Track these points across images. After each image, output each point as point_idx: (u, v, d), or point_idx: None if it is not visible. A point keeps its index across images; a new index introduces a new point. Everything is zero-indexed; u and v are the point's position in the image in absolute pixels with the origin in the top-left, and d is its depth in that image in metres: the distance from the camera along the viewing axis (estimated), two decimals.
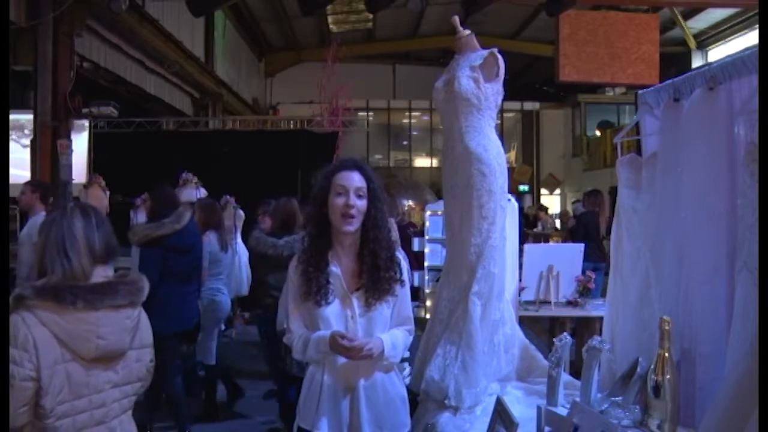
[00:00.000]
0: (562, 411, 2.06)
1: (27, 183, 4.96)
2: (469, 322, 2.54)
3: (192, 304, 4.18)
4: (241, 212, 6.95)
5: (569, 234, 8.46)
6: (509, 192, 2.83)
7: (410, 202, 13.61)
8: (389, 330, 2.02)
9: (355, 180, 1.97)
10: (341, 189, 1.96)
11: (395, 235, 3.11)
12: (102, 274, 1.80)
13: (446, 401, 2.46)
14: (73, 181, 7.88)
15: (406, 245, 5.17)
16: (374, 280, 1.97)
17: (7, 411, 1.63)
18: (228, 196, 7.51)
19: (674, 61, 13.79)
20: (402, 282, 2.04)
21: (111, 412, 1.78)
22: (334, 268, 1.98)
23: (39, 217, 4.72)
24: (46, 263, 1.74)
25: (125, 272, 1.93)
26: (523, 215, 10.67)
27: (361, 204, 1.96)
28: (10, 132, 7.56)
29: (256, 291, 4.97)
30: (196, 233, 4.27)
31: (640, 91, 2.83)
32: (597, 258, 6.38)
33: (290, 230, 4.12)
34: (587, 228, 7.02)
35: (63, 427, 1.68)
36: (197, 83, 12.38)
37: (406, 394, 2.12)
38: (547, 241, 12.43)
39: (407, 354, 2.72)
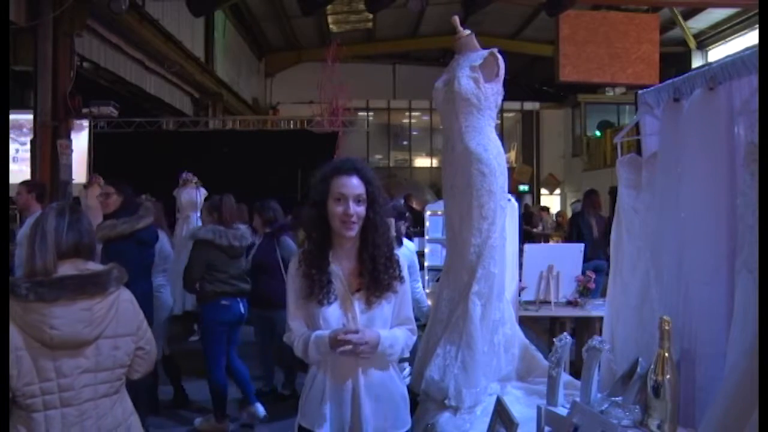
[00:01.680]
0: (562, 411, 2.06)
1: (23, 183, 4.94)
2: (469, 322, 2.54)
3: (149, 298, 4.19)
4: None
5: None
6: (509, 192, 2.83)
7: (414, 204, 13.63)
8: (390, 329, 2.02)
9: (353, 186, 1.96)
10: (340, 196, 1.95)
11: (394, 233, 3.12)
12: (77, 268, 1.95)
13: (446, 401, 2.46)
14: (73, 181, 7.88)
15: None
16: (374, 280, 1.98)
17: (7, 410, 1.76)
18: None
19: (674, 61, 13.79)
20: (401, 279, 2.04)
21: (82, 395, 1.93)
22: (335, 269, 1.99)
23: (35, 217, 4.73)
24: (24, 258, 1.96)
25: (112, 264, 2.04)
26: (522, 213, 10.64)
27: (361, 210, 1.96)
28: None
29: None
30: (157, 230, 4.40)
31: (640, 91, 2.83)
32: (591, 258, 6.32)
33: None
34: (580, 228, 6.98)
35: (34, 406, 1.87)
36: (197, 83, 12.38)
37: (406, 393, 2.12)
38: (547, 241, 12.42)
39: (407, 354, 2.72)
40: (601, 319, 3.34)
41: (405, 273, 2.08)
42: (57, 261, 1.94)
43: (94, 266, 2.01)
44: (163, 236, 4.83)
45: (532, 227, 12.67)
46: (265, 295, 4.79)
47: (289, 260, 5.22)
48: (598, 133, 17.28)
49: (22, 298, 1.86)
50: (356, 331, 1.89)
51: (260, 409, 4.53)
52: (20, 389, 1.86)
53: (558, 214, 15.08)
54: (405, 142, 20.97)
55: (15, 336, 1.86)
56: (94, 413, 1.96)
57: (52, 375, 1.88)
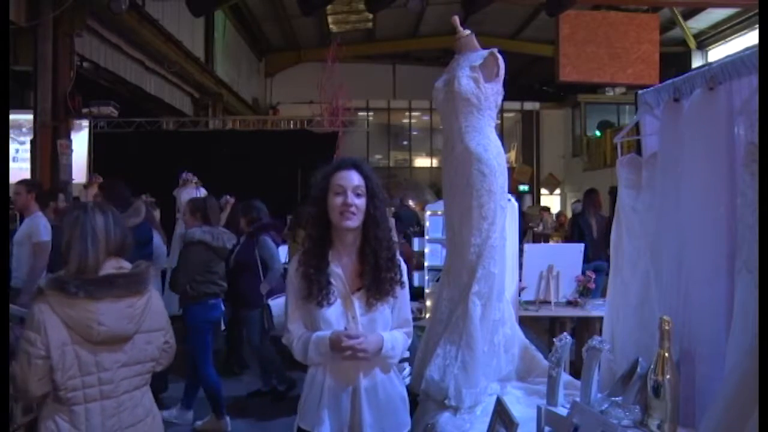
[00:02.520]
0: (562, 411, 2.06)
1: (21, 183, 4.92)
2: (469, 322, 2.54)
3: None
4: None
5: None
6: (509, 192, 2.82)
7: (410, 202, 13.63)
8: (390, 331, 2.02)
9: (353, 179, 1.97)
10: (339, 189, 1.96)
11: (395, 235, 3.11)
12: (114, 266, 2.05)
13: (446, 401, 2.46)
14: (73, 181, 7.88)
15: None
16: (376, 280, 1.97)
17: (7, 409, 1.75)
18: (228, 196, 7.52)
19: (674, 61, 13.78)
20: (402, 283, 2.04)
21: (119, 388, 2.02)
22: (336, 268, 1.99)
23: (36, 217, 4.72)
24: (69, 255, 1.99)
25: (139, 263, 2.13)
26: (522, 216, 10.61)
27: (360, 202, 1.96)
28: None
29: None
30: (150, 228, 4.38)
31: (640, 91, 2.83)
32: (593, 258, 6.33)
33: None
34: (581, 228, 6.97)
35: (75, 399, 1.95)
36: (197, 83, 12.38)
37: (406, 395, 2.12)
38: (547, 241, 12.41)
39: (407, 354, 2.72)
40: (601, 319, 3.34)
41: (405, 278, 2.08)
42: (106, 258, 2.03)
43: (126, 264, 2.10)
44: (156, 236, 4.85)
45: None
46: (245, 294, 4.85)
47: (266, 259, 5.24)
48: (598, 133, 17.28)
49: (72, 295, 1.92)
50: (357, 337, 1.89)
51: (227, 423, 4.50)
52: (64, 383, 1.93)
53: (558, 214, 15.08)
54: (405, 142, 20.97)
55: (61, 332, 1.92)
56: (129, 404, 2.05)
57: (93, 369, 1.97)
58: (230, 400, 4.95)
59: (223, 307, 4.61)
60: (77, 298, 1.92)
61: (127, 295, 2.01)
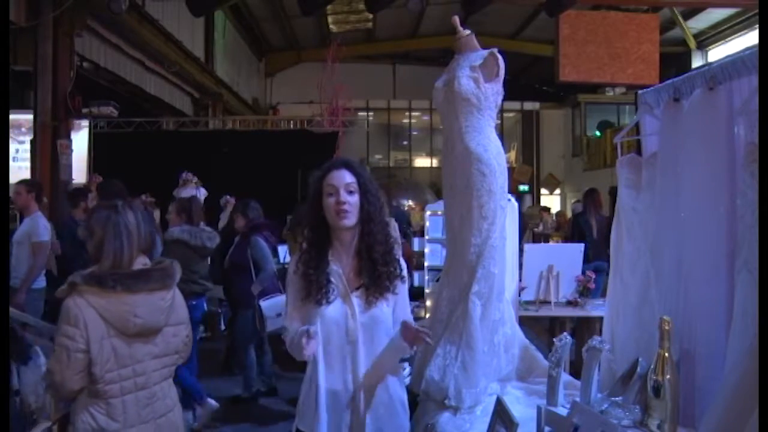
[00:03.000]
0: (562, 411, 2.06)
1: (21, 182, 4.92)
2: (469, 322, 2.54)
3: None
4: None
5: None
6: (509, 192, 2.82)
7: (410, 202, 13.64)
8: (390, 331, 2.01)
9: (344, 177, 1.98)
10: (331, 189, 1.97)
11: (396, 234, 3.11)
12: (141, 262, 2.14)
13: (446, 401, 2.46)
14: (73, 181, 7.88)
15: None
16: (373, 276, 1.97)
17: (8, 410, 1.77)
18: (228, 196, 7.52)
19: (674, 61, 13.78)
20: (402, 278, 2.04)
21: (151, 379, 2.11)
22: (335, 267, 1.99)
23: (36, 217, 4.72)
24: (102, 252, 2.06)
25: (161, 260, 2.24)
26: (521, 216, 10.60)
27: (353, 199, 1.97)
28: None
29: None
30: None
31: (640, 91, 2.83)
32: (594, 258, 6.33)
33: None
34: (581, 229, 6.96)
35: (111, 391, 2.02)
36: (197, 83, 12.38)
37: (405, 398, 2.11)
38: (547, 241, 12.41)
39: (407, 354, 2.72)
40: (601, 319, 3.34)
41: (405, 273, 2.08)
42: (138, 254, 2.12)
43: (147, 260, 2.18)
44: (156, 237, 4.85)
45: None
46: (238, 294, 4.85)
47: (257, 260, 5.26)
48: (597, 133, 17.27)
49: (110, 289, 1.99)
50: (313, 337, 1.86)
51: (213, 402, 4.49)
52: (102, 376, 2.00)
53: (558, 214, 15.07)
54: (405, 142, 20.95)
55: (99, 325, 1.98)
56: (161, 394, 2.15)
57: (128, 361, 2.05)
58: (230, 401, 4.96)
59: (205, 307, 4.58)
60: (114, 292, 1.99)
61: (160, 289, 2.11)
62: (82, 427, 2.01)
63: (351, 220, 1.97)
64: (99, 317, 1.98)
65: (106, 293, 1.99)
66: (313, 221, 2.01)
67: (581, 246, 5.00)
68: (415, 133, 20.97)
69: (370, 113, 18.82)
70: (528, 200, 18.19)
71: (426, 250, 5.40)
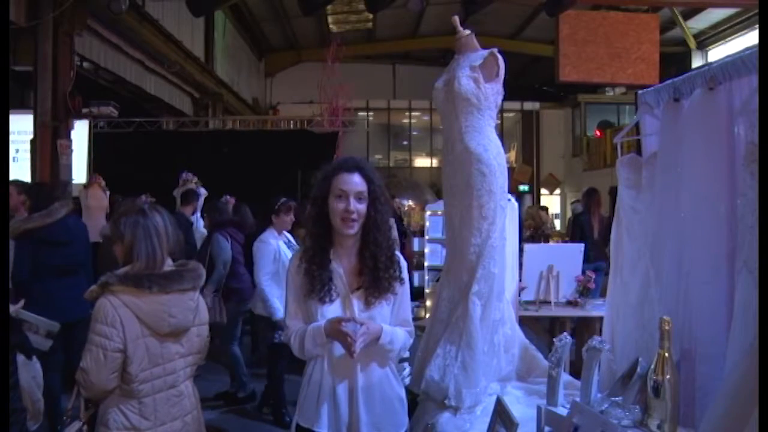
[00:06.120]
0: (562, 411, 2.05)
1: (12, 183, 4.89)
2: (469, 322, 2.54)
3: (75, 298, 3.69)
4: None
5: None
6: (509, 192, 2.82)
7: (410, 202, 13.63)
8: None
9: (355, 183, 1.95)
10: (341, 193, 1.94)
11: (395, 234, 3.11)
12: (169, 263, 2.17)
13: (446, 401, 2.46)
14: (73, 181, 7.88)
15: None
16: (375, 280, 1.97)
17: (8, 410, 1.77)
18: (228, 196, 7.52)
19: (674, 61, 13.78)
20: (402, 280, 2.04)
21: (179, 378, 2.16)
22: (336, 267, 1.98)
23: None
24: (134, 254, 2.09)
25: (185, 261, 2.25)
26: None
27: (362, 207, 1.95)
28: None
29: None
30: (77, 228, 4.22)
31: (640, 91, 2.83)
32: (595, 258, 6.33)
33: None
34: (582, 229, 6.95)
35: (144, 390, 2.06)
36: (197, 83, 12.37)
37: (404, 395, 2.11)
38: (547, 241, 12.41)
39: (407, 354, 2.72)
40: (601, 319, 3.34)
41: (405, 275, 2.08)
42: (166, 257, 2.16)
43: (171, 261, 2.20)
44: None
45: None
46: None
47: (213, 257, 5.29)
48: (597, 133, 17.28)
49: (146, 289, 2.03)
50: (350, 319, 1.88)
51: None
52: (138, 375, 2.03)
53: (555, 217, 15.08)
54: (405, 142, 20.96)
55: (135, 325, 2.02)
56: (187, 393, 2.19)
57: (160, 360, 2.09)
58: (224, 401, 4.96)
59: None
60: (150, 293, 2.03)
61: (190, 289, 2.16)
62: (115, 426, 2.04)
63: (355, 228, 1.96)
64: (134, 317, 2.02)
65: (142, 293, 2.03)
66: (317, 219, 2.00)
67: (581, 246, 5.00)
68: (415, 133, 20.97)
69: (370, 113, 18.83)
70: (528, 200, 18.19)
71: (426, 250, 5.41)
